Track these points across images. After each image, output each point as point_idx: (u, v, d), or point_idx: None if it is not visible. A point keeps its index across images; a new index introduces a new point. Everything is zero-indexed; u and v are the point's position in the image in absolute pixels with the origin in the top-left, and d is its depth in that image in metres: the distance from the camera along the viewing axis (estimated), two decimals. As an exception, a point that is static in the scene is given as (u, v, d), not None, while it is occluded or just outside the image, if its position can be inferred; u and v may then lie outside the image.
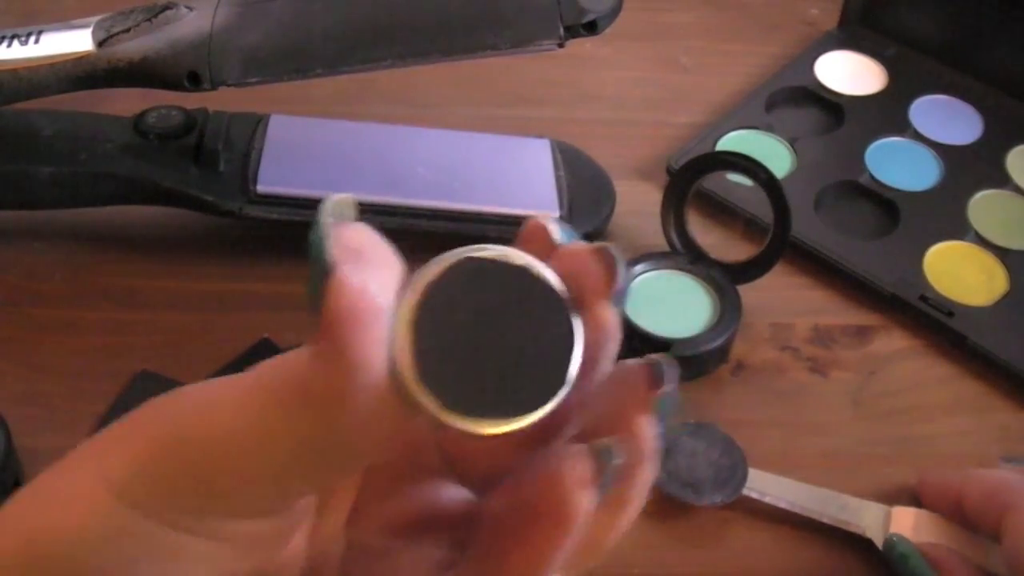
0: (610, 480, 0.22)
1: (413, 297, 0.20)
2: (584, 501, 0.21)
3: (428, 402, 0.20)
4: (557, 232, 0.23)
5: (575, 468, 0.22)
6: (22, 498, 0.23)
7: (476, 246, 0.21)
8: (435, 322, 0.21)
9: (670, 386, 0.22)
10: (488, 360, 0.21)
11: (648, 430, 0.22)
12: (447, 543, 0.26)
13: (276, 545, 0.24)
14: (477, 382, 0.21)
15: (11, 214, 0.51)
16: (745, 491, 0.42)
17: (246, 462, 0.21)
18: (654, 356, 0.23)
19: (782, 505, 0.42)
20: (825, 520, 0.42)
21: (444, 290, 0.21)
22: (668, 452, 0.43)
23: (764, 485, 0.42)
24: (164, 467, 0.22)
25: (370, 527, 0.26)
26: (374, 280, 0.20)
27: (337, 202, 0.21)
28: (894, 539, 0.40)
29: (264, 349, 0.47)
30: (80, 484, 0.22)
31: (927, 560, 0.39)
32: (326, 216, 0.21)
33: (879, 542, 0.41)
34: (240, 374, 0.22)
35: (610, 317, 0.22)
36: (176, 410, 0.22)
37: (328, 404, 0.20)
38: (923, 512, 0.41)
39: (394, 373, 0.20)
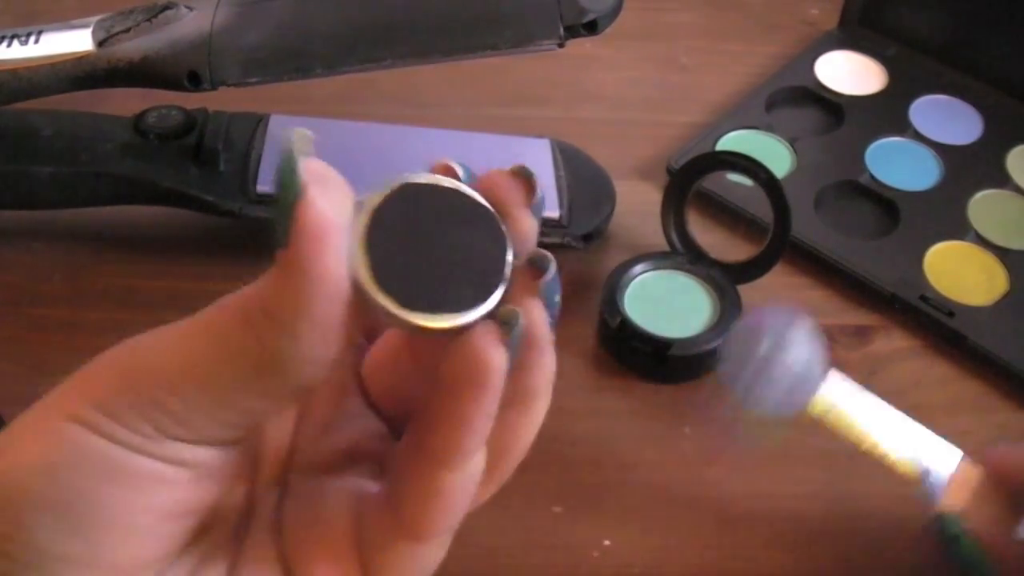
0: (516, 342, 0.24)
1: (365, 216, 0.24)
2: (496, 356, 0.24)
3: (387, 303, 0.23)
4: (460, 171, 0.26)
5: (484, 331, 0.24)
6: None
7: (411, 173, 0.25)
8: (385, 236, 0.24)
9: (550, 275, 0.25)
10: (435, 265, 0.24)
11: (537, 309, 0.25)
12: (369, 474, 0.28)
13: (230, 479, 0.26)
14: (428, 284, 0.24)
15: (11, 214, 0.51)
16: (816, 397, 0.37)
17: (207, 382, 0.23)
18: (535, 252, 0.25)
19: (850, 414, 0.38)
20: (884, 448, 0.38)
21: (390, 210, 0.24)
22: (733, 345, 0.37)
23: (837, 395, 0.38)
24: (124, 393, 0.23)
25: (300, 470, 0.28)
26: (335, 202, 0.23)
27: (300, 136, 0.23)
28: (948, 519, 0.37)
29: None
30: (41, 421, 0.24)
31: (979, 544, 0.35)
32: (294, 149, 0.23)
33: (931, 490, 0.37)
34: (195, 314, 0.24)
35: (530, 223, 0.26)
36: (136, 345, 0.24)
37: (292, 314, 0.22)
38: (986, 474, 0.38)
39: (355, 281, 0.23)
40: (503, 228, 0.25)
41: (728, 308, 0.48)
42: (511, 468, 0.28)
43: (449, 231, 0.24)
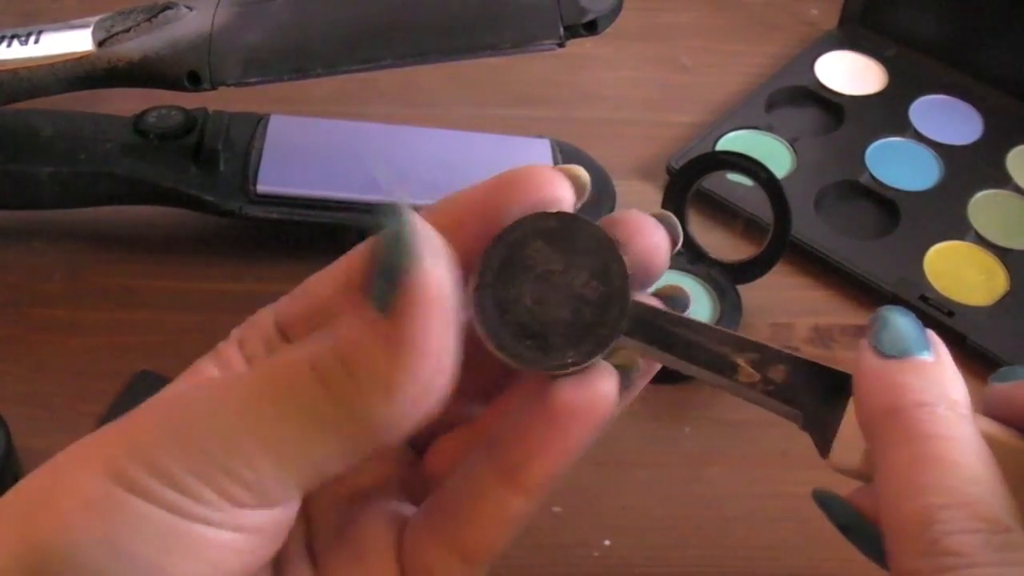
0: (630, 382, 0.26)
1: (480, 266, 0.24)
2: (613, 397, 0.25)
3: (505, 354, 0.24)
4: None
5: (607, 373, 0.25)
6: (10, 503, 0.22)
7: (528, 216, 0.25)
8: (502, 282, 0.25)
9: (687, 313, 0.27)
10: (553, 314, 0.25)
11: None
12: (396, 496, 0.28)
13: (276, 539, 0.24)
14: (546, 325, 0.25)
15: (11, 214, 0.51)
16: (623, 342, 0.26)
17: (278, 444, 0.22)
18: (672, 289, 0.27)
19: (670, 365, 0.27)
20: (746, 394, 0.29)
21: (504, 254, 0.25)
22: (503, 273, 0.26)
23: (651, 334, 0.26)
24: (181, 455, 0.22)
25: (327, 504, 0.27)
26: (446, 273, 0.22)
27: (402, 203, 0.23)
28: (822, 496, 0.30)
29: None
30: (76, 478, 0.22)
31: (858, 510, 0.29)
32: (403, 215, 0.23)
33: (824, 451, 0.29)
34: (241, 372, 0.24)
35: (665, 263, 0.27)
36: (189, 399, 0.23)
37: (389, 381, 0.22)
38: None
39: (472, 331, 0.24)
40: (623, 261, 0.25)
41: (728, 308, 0.48)
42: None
43: (567, 268, 0.25)
